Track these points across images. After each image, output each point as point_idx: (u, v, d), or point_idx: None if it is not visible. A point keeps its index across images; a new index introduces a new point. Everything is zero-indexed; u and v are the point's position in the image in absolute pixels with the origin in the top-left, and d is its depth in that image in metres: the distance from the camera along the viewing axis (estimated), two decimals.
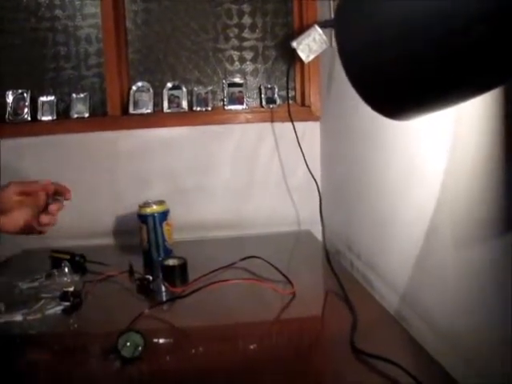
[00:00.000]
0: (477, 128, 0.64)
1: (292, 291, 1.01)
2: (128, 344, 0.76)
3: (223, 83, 1.57)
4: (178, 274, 1.12)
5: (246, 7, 1.57)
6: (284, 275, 1.09)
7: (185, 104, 1.55)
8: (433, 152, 0.78)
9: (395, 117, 0.53)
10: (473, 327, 0.68)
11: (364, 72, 0.47)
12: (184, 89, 1.55)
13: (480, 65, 0.40)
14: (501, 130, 0.59)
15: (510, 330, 0.59)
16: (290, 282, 1.05)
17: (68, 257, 1.22)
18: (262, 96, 1.57)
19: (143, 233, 1.28)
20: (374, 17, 0.43)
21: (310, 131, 1.55)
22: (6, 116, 1.50)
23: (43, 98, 1.52)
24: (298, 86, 1.61)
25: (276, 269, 1.11)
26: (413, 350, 0.80)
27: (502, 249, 0.60)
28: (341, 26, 0.49)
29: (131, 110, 1.53)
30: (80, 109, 1.53)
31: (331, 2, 1.30)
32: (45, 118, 1.52)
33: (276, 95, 1.57)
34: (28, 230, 0.90)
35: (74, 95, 1.53)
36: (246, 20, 1.58)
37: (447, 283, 0.75)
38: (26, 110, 1.51)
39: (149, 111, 1.53)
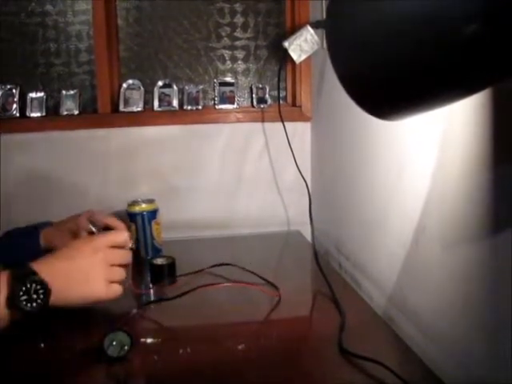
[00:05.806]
0: (465, 129, 0.64)
1: (280, 292, 1.01)
2: (114, 343, 0.75)
3: (214, 82, 1.57)
4: (166, 274, 1.11)
5: (238, 6, 1.57)
6: (265, 280, 1.06)
7: (175, 103, 1.54)
8: (422, 154, 0.78)
9: (385, 117, 0.53)
10: (460, 328, 0.69)
11: (353, 73, 0.47)
12: (175, 87, 1.54)
13: (468, 65, 0.40)
14: (489, 132, 0.59)
15: (497, 331, 0.60)
16: (274, 286, 1.03)
17: None
18: (253, 96, 1.56)
19: (132, 231, 1.27)
20: (362, 18, 0.43)
21: (301, 132, 1.55)
22: None
23: (32, 94, 1.51)
24: (289, 87, 1.60)
25: (255, 274, 1.11)
26: (400, 351, 0.80)
27: (488, 250, 0.61)
28: (330, 27, 0.49)
29: (121, 108, 1.52)
30: (70, 106, 1.51)
31: (323, 3, 1.31)
32: (34, 115, 1.50)
33: (267, 95, 1.56)
34: None
35: (63, 92, 1.52)
36: (239, 19, 1.58)
37: (435, 284, 0.75)
38: (14, 105, 1.49)
39: (139, 109, 1.52)
